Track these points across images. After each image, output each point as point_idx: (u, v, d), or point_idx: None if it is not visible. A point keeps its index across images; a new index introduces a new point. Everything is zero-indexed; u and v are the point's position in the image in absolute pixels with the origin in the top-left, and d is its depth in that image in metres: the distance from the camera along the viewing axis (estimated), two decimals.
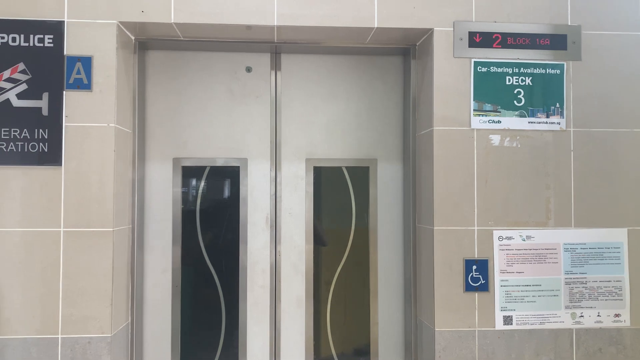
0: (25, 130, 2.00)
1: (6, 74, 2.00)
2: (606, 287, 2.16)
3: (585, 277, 2.16)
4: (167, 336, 2.39)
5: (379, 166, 2.50)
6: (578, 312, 2.15)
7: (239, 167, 2.44)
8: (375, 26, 2.12)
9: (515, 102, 2.15)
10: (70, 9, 2.02)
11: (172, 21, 2.06)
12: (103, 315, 2.00)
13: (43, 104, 2.01)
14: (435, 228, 2.10)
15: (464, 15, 2.14)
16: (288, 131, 2.46)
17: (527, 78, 2.16)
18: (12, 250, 1.99)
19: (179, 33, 2.18)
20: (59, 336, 1.99)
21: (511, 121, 2.14)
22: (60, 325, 1.99)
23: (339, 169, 2.52)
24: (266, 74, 2.46)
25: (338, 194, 2.54)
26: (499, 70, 2.15)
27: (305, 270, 2.45)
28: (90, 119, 2.02)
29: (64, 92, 2.02)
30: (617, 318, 2.16)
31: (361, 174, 2.53)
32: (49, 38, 2.01)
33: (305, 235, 2.45)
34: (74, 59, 2.02)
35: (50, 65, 2.01)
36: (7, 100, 2.00)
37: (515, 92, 2.15)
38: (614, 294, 2.16)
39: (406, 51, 2.42)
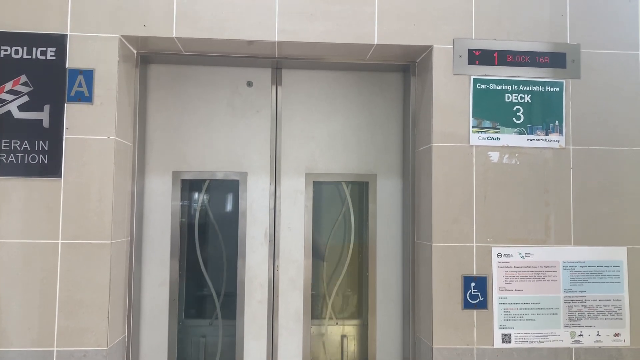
0: (25, 142, 2.01)
1: (8, 85, 2.01)
2: (605, 306, 2.15)
3: (585, 296, 2.15)
4: (163, 350, 2.37)
5: (378, 182, 2.50)
6: (577, 331, 2.13)
7: (238, 180, 2.44)
8: (376, 43, 2.14)
9: (514, 119, 2.16)
10: (73, 23, 2.04)
11: (174, 35, 2.08)
12: (99, 328, 1.99)
13: (44, 116, 2.02)
14: (433, 244, 2.10)
15: (464, 33, 2.16)
16: (288, 146, 2.47)
17: (526, 95, 2.17)
18: (10, 261, 1.99)
19: (180, 47, 2.20)
20: (55, 349, 1.98)
21: (510, 138, 2.15)
22: (56, 338, 1.98)
23: (339, 184, 2.52)
24: (267, 89, 2.47)
25: (337, 209, 2.54)
26: (498, 87, 2.16)
27: (303, 286, 2.43)
28: (91, 131, 2.03)
29: (65, 104, 2.03)
30: (616, 337, 2.14)
31: (360, 189, 2.54)
32: (51, 51, 2.03)
33: (304, 250, 2.44)
34: (75, 72, 2.03)
35: (52, 77, 2.03)
36: (9, 111, 2.01)
37: (514, 109, 2.16)
38: (613, 313, 2.14)
39: (406, 68, 2.44)
